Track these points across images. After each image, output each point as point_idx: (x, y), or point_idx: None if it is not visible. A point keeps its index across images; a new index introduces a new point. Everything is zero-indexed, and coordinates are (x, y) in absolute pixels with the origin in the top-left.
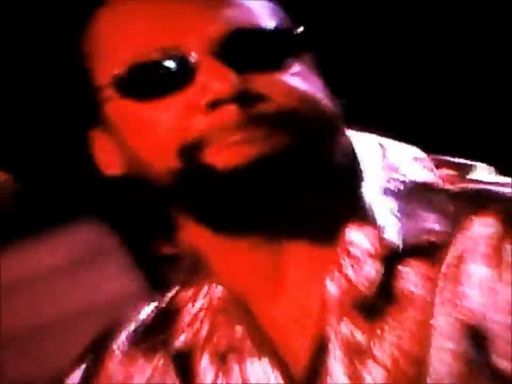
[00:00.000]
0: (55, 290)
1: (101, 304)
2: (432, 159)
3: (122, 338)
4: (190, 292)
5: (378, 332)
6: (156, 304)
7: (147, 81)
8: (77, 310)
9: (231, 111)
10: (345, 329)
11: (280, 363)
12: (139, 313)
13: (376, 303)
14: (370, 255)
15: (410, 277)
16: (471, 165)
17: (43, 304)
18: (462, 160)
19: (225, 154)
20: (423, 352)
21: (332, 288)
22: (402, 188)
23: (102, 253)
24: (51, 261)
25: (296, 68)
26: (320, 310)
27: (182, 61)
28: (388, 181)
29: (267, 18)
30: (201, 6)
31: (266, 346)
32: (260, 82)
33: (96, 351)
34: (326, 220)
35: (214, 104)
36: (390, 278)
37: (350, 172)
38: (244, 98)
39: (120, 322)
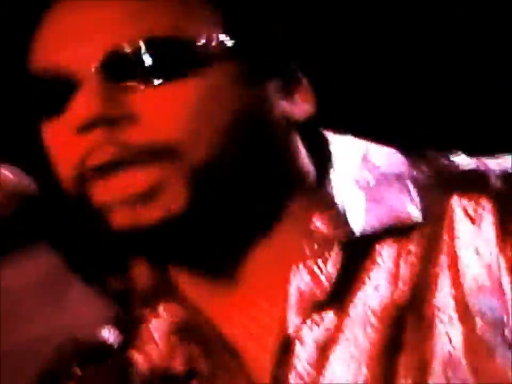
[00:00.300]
0: (19, 312)
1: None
2: (408, 155)
3: (76, 366)
4: (146, 312)
5: (349, 316)
6: (110, 328)
7: (40, 101)
8: (40, 335)
9: (96, 136)
10: (311, 324)
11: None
12: (93, 339)
13: (343, 290)
14: (336, 242)
15: (380, 257)
16: (448, 154)
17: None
18: (438, 152)
19: (114, 214)
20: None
21: (295, 285)
22: (373, 179)
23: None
24: (17, 282)
25: (197, 80)
26: (282, 313)
27: (67, 81)
28: (360, 175)
29: (171, 28)
30: (98, 20)
31: (234, 364)
32: (140, 103)
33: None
34: (278, 228)
35: (82, 129)
36: (358, 261)
37: (294, 175)
38: (112, 122)
39: (72, 348)
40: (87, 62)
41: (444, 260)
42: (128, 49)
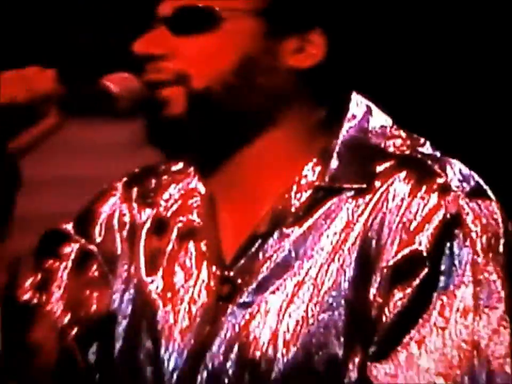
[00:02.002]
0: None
1: None
2: (396, 128)
3: (124, 183)
4: (181, 176)
5: (300, 234)
6: (156, 170)
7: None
8: None
9: (148, 64)
10: (276, 233)
11: (218, 252)
12: (142, 171)
13: (303, 217)
14: (312, 187)
15: (332, 205)
16: (421, 141)
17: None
18: (416, 136)
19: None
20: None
21: (275, 206)
22: (357, 144)
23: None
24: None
25: (215, 35)
26: (259, 218)
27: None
28: (352, 137)
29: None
30: None
31: (214, 238)
32: (179, 46)
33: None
34: (285, 160)
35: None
36: (319, 204)
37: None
38: (154, 58)
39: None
40: (162, 14)
41: (376, 222)
42: (175, 12)
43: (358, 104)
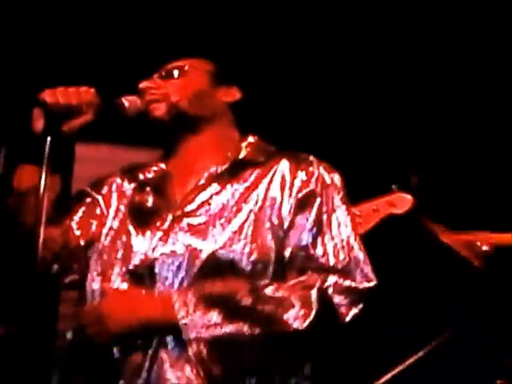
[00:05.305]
0: None
1: None
2: (270, 144)
3: (122, 169)
4: (154, 166)
5: (223, 186)
6: (141, 165)
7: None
8: None
9: (147, 92)
10: (209, 186)
11: (171, 197)
12: (133, 165)
13: (227, 178)
14: (231, 160)
15: (244, 171)
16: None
17: None
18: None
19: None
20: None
21: (211, 170)
22: (254, 145)
23: None
24: None
25: (187, 79)
26: (202, 178)
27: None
28: (252, 142)
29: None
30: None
31: (169, 190)
32: (166, 84)
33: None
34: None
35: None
36: (237, 170)
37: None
38: (152, 88)
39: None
40: (156, 71)
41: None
42: (164, 69)
43: (252, 138)
